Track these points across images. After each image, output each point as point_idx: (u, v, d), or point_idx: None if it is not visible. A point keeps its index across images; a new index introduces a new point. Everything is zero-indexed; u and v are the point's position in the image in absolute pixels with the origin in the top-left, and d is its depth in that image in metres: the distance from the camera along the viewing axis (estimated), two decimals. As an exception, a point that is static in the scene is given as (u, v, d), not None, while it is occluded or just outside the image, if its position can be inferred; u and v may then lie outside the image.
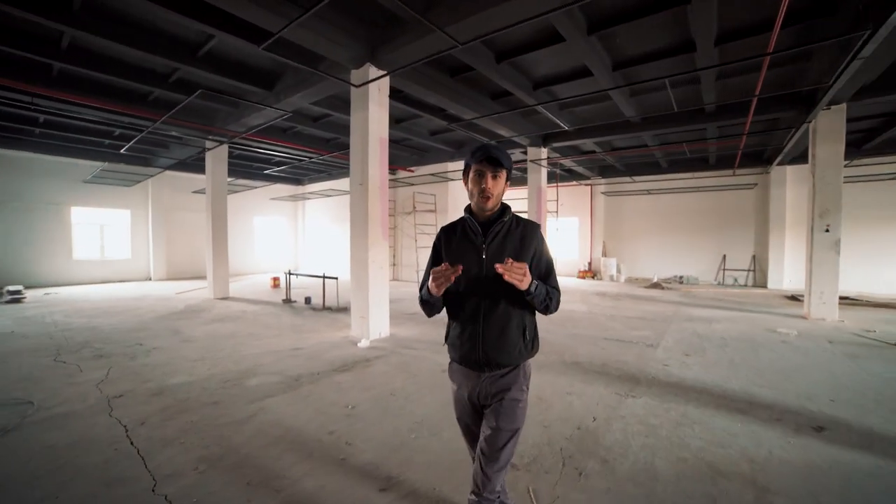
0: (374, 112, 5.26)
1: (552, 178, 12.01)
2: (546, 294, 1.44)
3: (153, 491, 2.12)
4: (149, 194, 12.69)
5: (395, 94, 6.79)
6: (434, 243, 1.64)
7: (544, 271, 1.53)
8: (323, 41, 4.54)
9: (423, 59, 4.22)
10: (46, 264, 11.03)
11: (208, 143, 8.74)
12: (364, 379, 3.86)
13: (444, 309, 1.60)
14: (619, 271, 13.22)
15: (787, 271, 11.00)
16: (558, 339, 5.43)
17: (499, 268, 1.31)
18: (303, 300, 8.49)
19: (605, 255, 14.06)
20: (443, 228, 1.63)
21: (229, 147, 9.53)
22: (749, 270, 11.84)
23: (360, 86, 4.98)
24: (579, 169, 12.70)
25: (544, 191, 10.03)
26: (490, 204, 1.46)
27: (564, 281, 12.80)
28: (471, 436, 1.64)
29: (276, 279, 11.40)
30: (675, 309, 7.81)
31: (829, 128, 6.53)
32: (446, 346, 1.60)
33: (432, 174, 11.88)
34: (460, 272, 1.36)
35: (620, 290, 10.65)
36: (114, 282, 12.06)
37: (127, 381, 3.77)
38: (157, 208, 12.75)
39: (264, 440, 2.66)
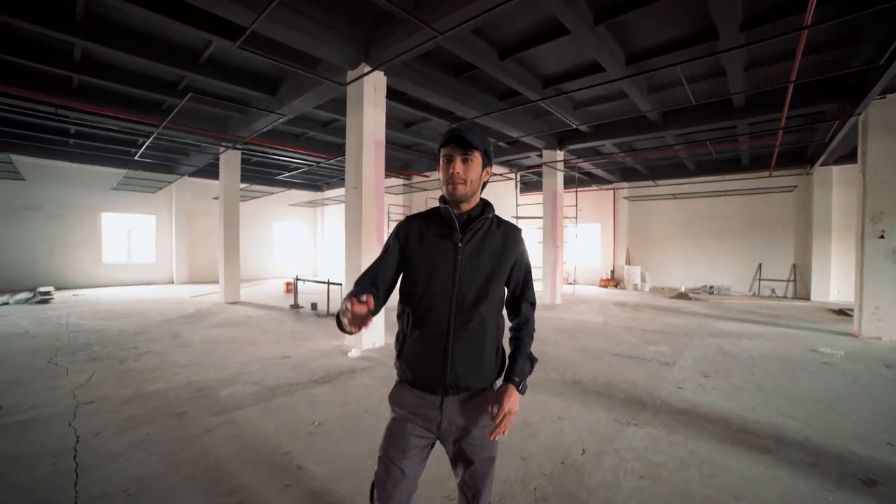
0: (368, 113, 5.09)
1: (570, 182, 11.53)
2: (530, 364, 1.31)
3: (72, 515, 1.94)
4: (172, 200, 13.15)
5: (398, 96, 6.64)
6: (394, 234, 1.31)
7: (522, 281, 1.36)
8: (315, 43, 4.41)
9: (403, 53, 4.00)
10: (78, 267, 11.58)
11: (221, 149, 8.90)
12: (342, 392, 3.62)
13: (399, 314, 1.31)
14: (643, 280, 12.46)
15: (834, 282, 9.97)
16: (563, 352, 5.01)
17: (496, 436, 1.21)
18: (309, 306, 8.42)
19: (628, 262, 13.32)
20: (409, 217, 1.35)
21: (246, 154, 9.69)
22: (789, 281, 10.83)
23: (348, 84, 4.83)
24: (599, 172, 12.12)
25: (560, 195, 9.57)
26: (461, 191, 1.22)
27: (585, 290, 12.20)
28: (392, 480, 1.24)
29: (288, 284, 11.45)
30: (701, 322, 7.15)
31: (883, 120, 5.79)
32: (396, 363, 1.32)
33: (446, 179, 11.65)
34: (372, 305, 1.09)
35: (643, 301, 9.97)
36: (139, 284, 12.52)
37: (106, 386, 3.70)
38: (180, 213, 13.18)
39: (213, 458, 2.45)
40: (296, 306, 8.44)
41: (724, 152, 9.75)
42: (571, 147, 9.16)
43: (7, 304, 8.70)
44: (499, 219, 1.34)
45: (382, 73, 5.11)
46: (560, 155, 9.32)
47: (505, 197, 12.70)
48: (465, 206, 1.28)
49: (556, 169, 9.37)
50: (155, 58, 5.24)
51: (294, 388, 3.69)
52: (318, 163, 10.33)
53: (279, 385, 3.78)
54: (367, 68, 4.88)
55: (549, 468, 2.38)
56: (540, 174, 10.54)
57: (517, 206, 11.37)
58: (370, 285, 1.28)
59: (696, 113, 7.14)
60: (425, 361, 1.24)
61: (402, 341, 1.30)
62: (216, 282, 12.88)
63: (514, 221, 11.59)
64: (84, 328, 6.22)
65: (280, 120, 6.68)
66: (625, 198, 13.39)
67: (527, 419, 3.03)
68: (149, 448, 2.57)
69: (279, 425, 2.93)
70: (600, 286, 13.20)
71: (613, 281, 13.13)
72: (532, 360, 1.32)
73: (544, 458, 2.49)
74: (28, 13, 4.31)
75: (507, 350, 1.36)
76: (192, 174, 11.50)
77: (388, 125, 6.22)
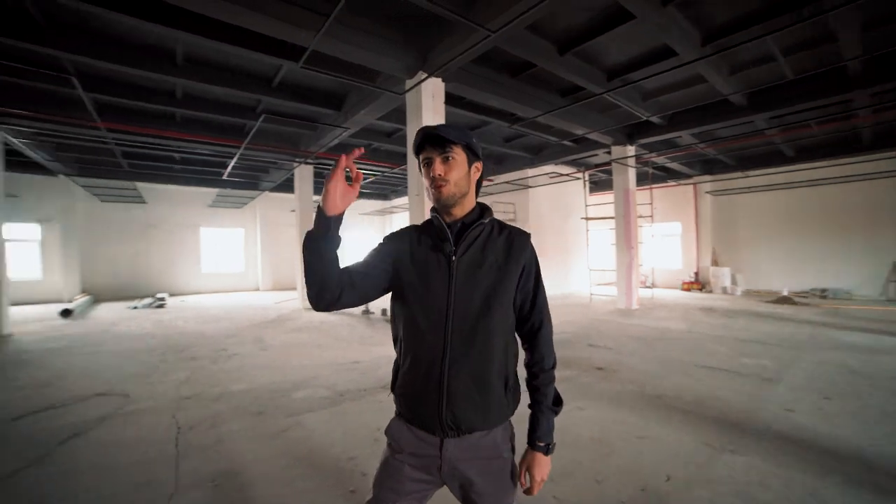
0: (427, 120, 5.12)
1: (644, 178, 10.66)
2: (555, 415, 1.14)
3: (169, 499, 2.16)
4: (257, 214, 14.58)
5: (457, 101, 6.65)
6: (390, 238, 1.16)
7: (532, 293, 1.13)
8: (372, 55, 4.57)
9: (457, 56, 3.97)
10: (183, 276, 13.35)
11: (295, 165, 9.66)
12: (406, 398, 3.64)
13: (394, 340, 1.16)
14: (734, 283, 11.08)
15: None
16: (641, 363, 4.58)
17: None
18: (380, 312, 8.73)
19: (715, 263, 11.94)
20: (403, 228, 1.20)
21: (318, 167, 10.40)
22: (937, 283, 8.88)
23: (404, 92, 4.94)
24: (676, 166, 11.07)
25: (633, 193, 8.88)
26: (447, 192, 1.06)
27: (665, 294, 11.17)
28: None
29: (359, 290, 12.01)
30: (813, 331, 6.11)
31: None
32: (392, 395, 1.17)
33: (508, 182, 11.46)
34: (361, 152, 0.99)
35: (734, 306, 8.84)
36: (230, 291, 14.02)
37: (200, 384, 4.12)
38: (264, 226, 14.56)
39: (286, 460, 2.58)
40: (367, 312, 8.80)
41: (835, 132, 8.33)
42: (643, 141, 8.49)
43: (136, 308, 10.23)
44: (501, 224, 1.17)
45: (440, 79, 5.14)
46: (631, 150, 8.67)
47: (573, 198, 12.15)
48: (458, 213, 1.11)
49: (626, 165, 8.72)
50: (237, 86, 5.83)
51: (362, 394, 3.80)
52: (384, 172, 10.74)
53: (348, 390, 3.91)
54: (424, 75, 4.95)
55: (626, 494, 2.14)
56: (610, 172, 9.91)
57: (586, 206, 10.79)
58: (345, 275, 1.04)
59: (794, 90, 6.18)
60: (418, 396, 1.06)
61: (395, 370, 1.14)
62: (296, 288, 13.99)
63: (583, 223, 11.08)
64: (187, 331, 7.07)
65: (346, 133, 7.06)
66: (707, 192, 12.06)
67: (601, 436, 2.78)
68: (232, 444, 2.79)
69: (346, 430, 3.01)
70: (682, 290, 12.01)
71: (698, 284, 11.86)
72: (557, 410, 1.14)
73: (621, 482, 2.25)
74: (144, 63, 5.12)
75: (517, 376, 1.14)
76: (273, 189, 12.64)
77: (449, 131, 6.25)
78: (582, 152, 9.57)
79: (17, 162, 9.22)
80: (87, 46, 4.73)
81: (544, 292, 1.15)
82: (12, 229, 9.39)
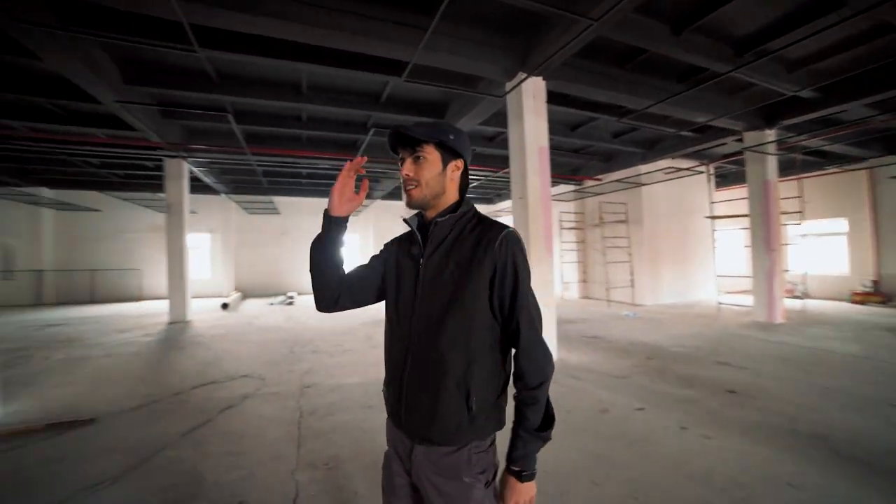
0: (529, 121, 5.01)
1: (789, 167, 8.85)
2: (539, 440, 0.99)
3: (292, 474, 2.46)
4: (370, 221, 16.02)
5: (561, 99, 6.38)
6: (386, 244, 1.22)
7: (509, 298, 0.99)
8: (471, 62, 4.64)
9: (557, 51, 3.77)
10: (308, 277, 15.17)
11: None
12: (504, 406, 3.57)
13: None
14: (938, 297, 8.42)
15: None
16: (791, 391, 3.75)
17: None
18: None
19: (905, 271, 9.26)
20: (405, 232, 1.20)
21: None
22: None
23: (504, 95, 4.88)
24: (838, 149, 8.89)
25: (774, 186, 7.42)
26: (416, 195, 1.04)
27: (824, 306, 9.06)
28: None
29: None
30: None
31: None
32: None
33: (618, 180, 10.57)
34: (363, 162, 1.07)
35: (941, 328, 6.70)
36: (346, 292, 15.61)
37: (319, 374, 4.63)
38: (377, 232, 15.95)
39: (389, 452, 2.73)
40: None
41: None
42: (787, 122, 7.03)
43: (272, 304, 12.05)
44: (480, 218, 1.06)
45: (541, 78, 4.98)
46: (770, 135, 7.26)
47: (695, 195, 10.71)
48: (433, 214, 1.07)
49: (764, 153, 7.33)
50: (351, 105, 6.49)
51: (459, 395, 3.84)
52: (487, 176, 10.85)
53: (446, 390, 4.00)
54: (523, 76, 4.85)
55: (775, 554, 1.75)
56: (741, 163, 8.45)
57: (711, 203, 9.37)
58: (345, 279, 1.13)
59: None
60: (389, 399, 1.09)
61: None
62: (399, 290, 14.94)
63: (708, 223, 9.61)
64: (311, 326, 8.04)
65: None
66: (892, 177, 9.42)
67: (734, 475, 2.34)
68: (343, 433, 3.06)
69: (445, 430, 3.07)
70: (852, 302, 9.58)
71: (878, 295, 9.33)
72: (542, 437, 0.98)
73: (766, 537, 1.85)
74: (278, 94, 6.05)
75: (498, 398, 1.04)
76: (383, 197, 13.78)
77: (553, 130, 6.04)
78: (705, 143, 8.36)
79: (195, 186, 11.70)
80: (239, 88, 5.82)
81: (527, 294, 1.00)
82: (192, 238, 11.91)
